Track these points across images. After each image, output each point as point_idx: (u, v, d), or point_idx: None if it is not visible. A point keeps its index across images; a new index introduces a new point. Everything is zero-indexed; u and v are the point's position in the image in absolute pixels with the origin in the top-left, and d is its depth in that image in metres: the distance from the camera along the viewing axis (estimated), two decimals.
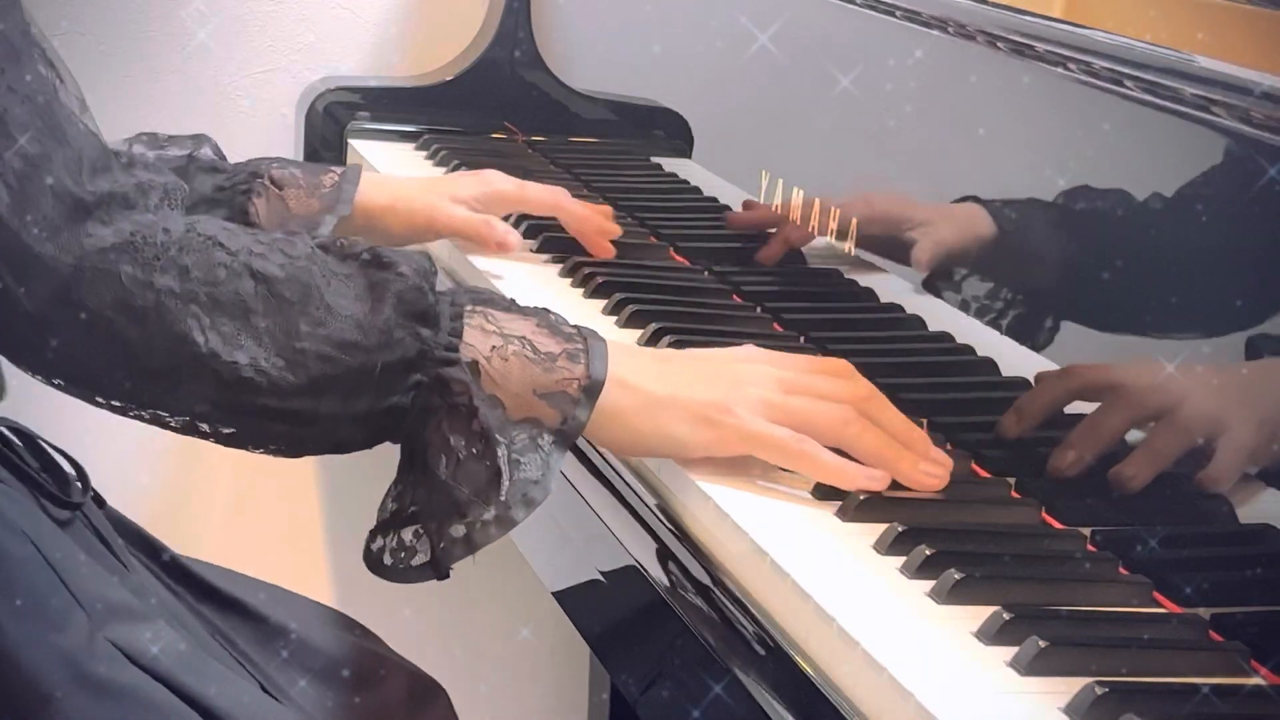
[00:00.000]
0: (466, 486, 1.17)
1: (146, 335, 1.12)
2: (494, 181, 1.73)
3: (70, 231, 1.11)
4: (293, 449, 1.20)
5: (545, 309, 1.25)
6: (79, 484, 1.33)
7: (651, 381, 1.23)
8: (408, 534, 1.20)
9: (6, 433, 1.32)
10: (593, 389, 1.20)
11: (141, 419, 1.20)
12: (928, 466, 1.24)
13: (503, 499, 1.17)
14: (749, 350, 1.30)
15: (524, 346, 1.19)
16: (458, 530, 1.17)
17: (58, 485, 1.31)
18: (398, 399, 1.17)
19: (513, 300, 1.25)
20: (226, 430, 1.18)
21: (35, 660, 1.22)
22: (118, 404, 1.19)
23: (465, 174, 1.77)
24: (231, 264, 1.14)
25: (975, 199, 1.39)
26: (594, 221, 1.71)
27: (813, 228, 1.57)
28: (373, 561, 1.21)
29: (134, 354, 1.13)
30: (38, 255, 1.11)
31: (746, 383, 1.25)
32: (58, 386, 1.18)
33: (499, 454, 1.17)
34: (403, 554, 1.20)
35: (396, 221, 1.67)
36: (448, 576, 1.19)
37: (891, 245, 1.49)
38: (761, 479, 1.25)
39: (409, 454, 1.20)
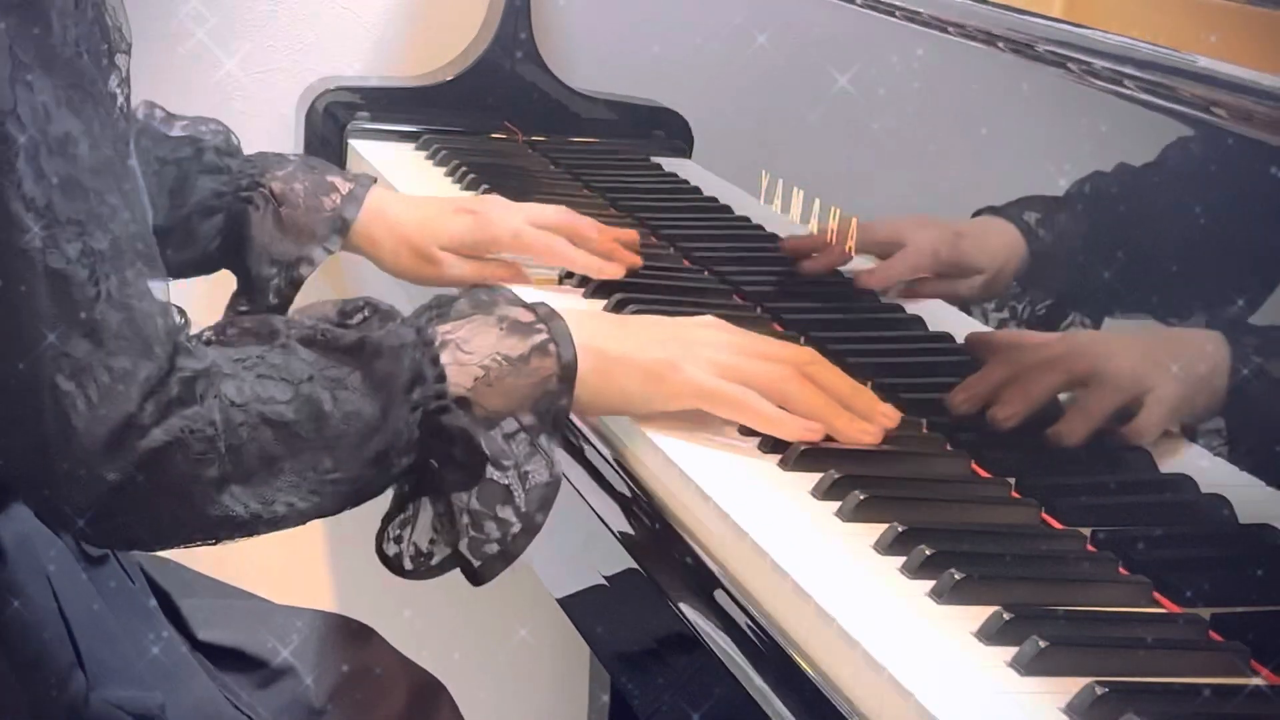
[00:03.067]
0: (488, 508, 1.23)
1: (192, 519, 1.15)
2: (489, 226, 1.62)
3: (123, 446, 1.12)
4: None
5: (493, 292, 1.29)
6: None
7: (606, 341, 1.29)
8: (422, 541, 1.26)
9: None
10: (567, 373, 1.26)
11: None
12: (862, 424, 1.31)
13: (523, 510, 1.23)
14: (707, 319, 1.36)
15: (500, 364, 1.24)
16: (490, 548, 1.23)
17: None
18: (405, 459, 1.22)
19: (460, 298, 1.28)
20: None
21: (45, 713, 1.26)
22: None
23: (464, 209, 1.65)
24: (247, 420, 1.16)
25: (988, 207, 1.39)
26: (595, 264, 1.64)
27: (849, 248, 1.56)
28: (390, 562, 1.27)
29: (181, 531, 1.17)
30: (90, 471, 1.12)
31: (696, 343, 1.31)
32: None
33: (507, 472, 1.23)
34: (421, 558, 1.26)
35: (392, 263, 1.64)
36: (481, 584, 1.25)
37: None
38: (762, 478, 1.25)
39: (417, 484, 1.25)
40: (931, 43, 1.44)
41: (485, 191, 1.87)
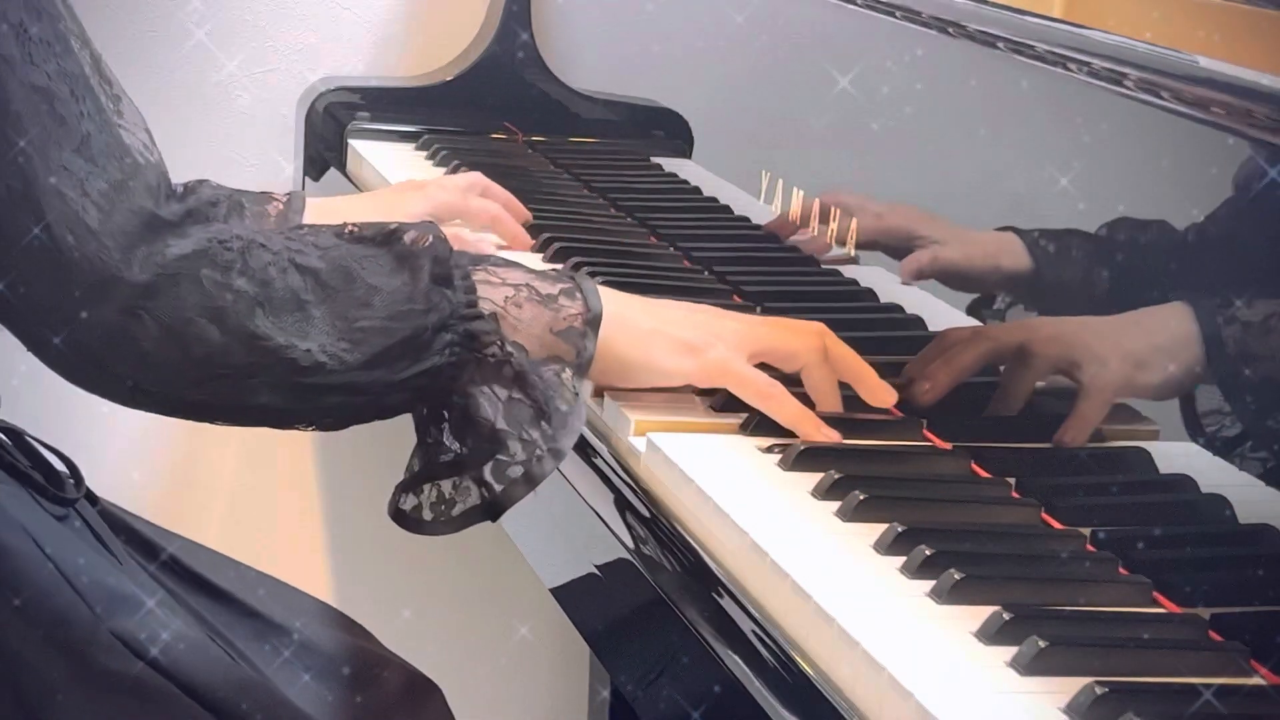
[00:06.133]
0: (515, 428, 1.23)
1: (226, 335, 1.16)
2: (436, 195, 1.72)
3: (150, 247, 1.14)
4: (341, 423, 1.24)
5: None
6: (72, 481, 1.35)
7: (640, 314, 1.31)
8: (446, 486, 1.25)
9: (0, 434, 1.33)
10: (594, 321, 1.27)
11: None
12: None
13: (550, 432, 1.24)
14: (725, 311, 1.39)
15: (530, 292, 1.26)
16: (515, 470, 1.23)
17: (51, 482, 1.33)
18: (434, 359, 1.22)
19: (495, 254, 1.31)
20: (282, 410, 1.22)
21: (39, 657, 1.24)
22: (186, 408, 1.21)
23: (413, 193, 1.73)
24: (277, 262, 1.18)
25: (977, 210, 1.39)
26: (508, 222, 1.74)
27: (828, 237, 1.57)
28: (406, 519, 1.26)
29: (212, 355, 1.16)
30: (115, 274, 1.13)
31: (726, 318, 1.34)
32: (127, 402, 1.20)
33: (537, 393, 1.23)
34: (443, 505, 1.25)
35: None
36: (499, 516, 1.25)
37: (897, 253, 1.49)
38: (762, 478, 1.25)
39: (442, 410, 1.25)
40: (931, 43, 1.45)
41: None
